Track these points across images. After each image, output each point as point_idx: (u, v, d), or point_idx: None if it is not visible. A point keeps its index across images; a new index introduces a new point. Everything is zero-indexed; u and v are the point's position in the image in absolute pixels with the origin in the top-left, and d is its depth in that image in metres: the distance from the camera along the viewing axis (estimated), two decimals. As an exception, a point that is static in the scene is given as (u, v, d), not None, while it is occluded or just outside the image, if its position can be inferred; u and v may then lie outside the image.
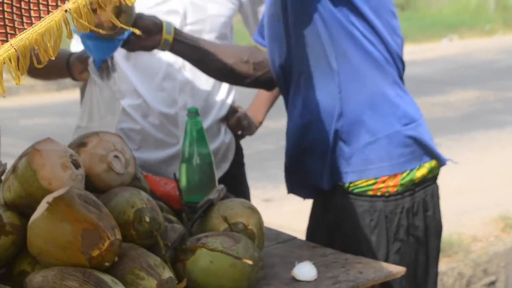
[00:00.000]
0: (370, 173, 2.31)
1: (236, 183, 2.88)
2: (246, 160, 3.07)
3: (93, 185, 1.94)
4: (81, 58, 2.50)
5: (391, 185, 2.30)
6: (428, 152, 2.35)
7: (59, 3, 1.30)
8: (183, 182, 2.29)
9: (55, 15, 1.29)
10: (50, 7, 1.30)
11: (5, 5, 1.28)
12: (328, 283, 1.97)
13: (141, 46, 2.41)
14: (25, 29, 1.28)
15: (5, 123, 7.83)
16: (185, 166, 2.30)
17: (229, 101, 2.89)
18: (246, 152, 3.08)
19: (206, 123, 2.73)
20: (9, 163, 1.91)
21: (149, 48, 2.43)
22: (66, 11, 1.29)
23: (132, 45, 2.40)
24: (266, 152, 6.59)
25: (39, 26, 1.28)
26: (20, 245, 1.74)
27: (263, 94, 3.04)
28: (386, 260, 2.26)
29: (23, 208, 1.78)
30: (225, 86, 2.86)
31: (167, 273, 1.69)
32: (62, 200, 1.65)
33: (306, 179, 2.42)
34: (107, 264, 1.63)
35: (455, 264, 4.83)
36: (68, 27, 1.32)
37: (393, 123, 2.31)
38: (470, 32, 16.05)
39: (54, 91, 10.29)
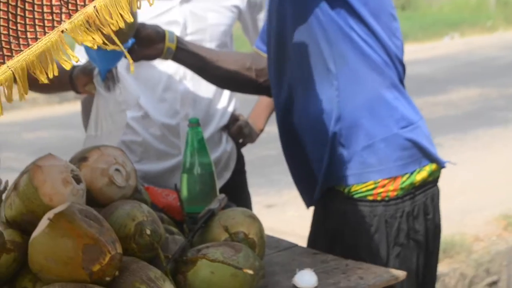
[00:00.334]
0: (368, 176, 2.31)
1: (238, 191, 2.90)
2: (248, 166, 3.09)
3: (94, 199, 1.96)
4: (86, 71, 2.48)
5: (391, 189, 2.31)
6: (427, 155, 2.35)
7: (55, 24, 1.31)
8: (184, 192, 2.31)
9: (51, 36, 1.30)
10: (46, 28, 1.30)
11: (1, 27, 1.29)
12: (329, 289, 1.99)
13: (144, 55, 2.42)
14: (22, 50, 1.29)
15: (8, 137, 7.86)
16: (186, 176, 2.31)
17: (230, 109, 2.90)
18: (248, 158, 3.10)
19: (207, 133, 2.75)
20: (11, 177, 1.91)
21: (152, 57, 2.44)
22: (62, 31, 1.31)
23: (135, 54, 2.40)
24: (268, 158, 6.60)
25: (36, 47, 1.29)
26: (22, 262, 1.75)
27: (263, 101, 3.05)
28: (386, 265, 2.27)
29: (24, 225, 1.79)
30: (226, 95, 2.88)
31: (168, 286, 1.70)
32: (63, 216, 1.66)
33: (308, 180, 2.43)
34: (108, 278, 1.64)
35: (458, 265, 4.83)
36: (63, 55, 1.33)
37: (391, 126, 2.32)
38: (471, 30, 16.03)
39: (56, 104, 10.30)
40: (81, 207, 1.72)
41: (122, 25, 1.28)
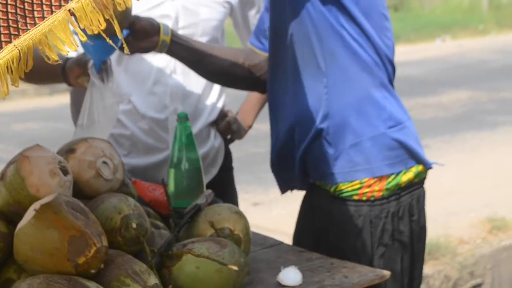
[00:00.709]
0: (354, 175, 2.32)
1: (225, 187, 2.90)
2: (236, 163, 3.09)
3: (81, 191, 1.96)
4: (80, 62, 2.46)
5: (377, 189, 2.32)
6: (414, 156, 2.36)
7: (62, 3, 1.30)
8: (171, 187, 2.31)
9: (59, 15, 1.29)
10: (53, 7, 1.30)
11: (8, 6, 1.28)
12: (314, 287, 1.99)
13: (139, 48, 2.41)
14: (29, 29, 1.28)
15: (-3, 128, 7.83)
16: (173, 171, 2.31)
17: (220, 105, 2.90)
18: (236, 155, 3.10)
19: (196, 128, 2.75)
20: (0, 168, 1.92)
21: (147, 50, 2.43)
22: (69, 10, 1.30)
23: (130, 46, 2.39)
24: (256, 155, 6.60)
25: (43, 26, 1.28)
26: (7, 253, 1.75)
27: (252, 98, 3.05)
28: (370, 265, 2.27)
29: (11, 216, 1.79)
30: (215, 90, 2.88)
31: (153, 280, 1.71)
32: (49, 207, 1.66)
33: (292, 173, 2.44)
34: (93, 271, 1.64)
35: (442, 267, 4.85)
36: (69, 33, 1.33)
37: (378, 125, 2.32)
38: (463, 32, 16.07)
39: (46, 96, 10.25)
40: (67, 199, 1.72)
41: (130, 4, 1.27)
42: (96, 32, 1.33)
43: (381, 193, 2.32)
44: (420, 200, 2.42)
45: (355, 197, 2.32)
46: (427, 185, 2.46)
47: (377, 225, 2.33)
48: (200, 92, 2.82)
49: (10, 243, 1.71)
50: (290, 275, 2.01)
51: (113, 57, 2.56)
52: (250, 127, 3.06)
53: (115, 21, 1.32)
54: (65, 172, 1.85)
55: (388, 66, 2.36)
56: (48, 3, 1.30)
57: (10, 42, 1.27)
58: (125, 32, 2.35)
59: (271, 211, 5.72)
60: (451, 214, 5.67)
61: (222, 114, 2.91)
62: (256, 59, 2.56)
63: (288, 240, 2.43)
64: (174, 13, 2.73)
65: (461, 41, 15.39)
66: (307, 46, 2.30)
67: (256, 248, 2.22)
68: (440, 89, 10.58)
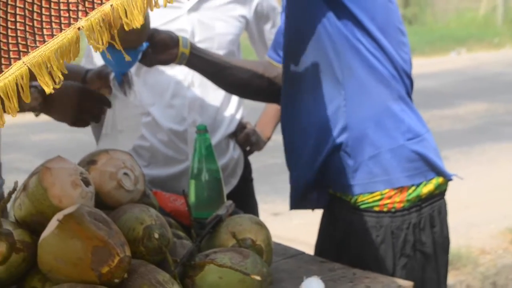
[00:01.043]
0: (374, 186, 2.32)
1: (245, 198, 2.90)
2: (255, 174, 3.09)
3: (103, 202, 1.96)
4: (101, 75, 2.45)
5: (397, 201, 2.31)
6: (433, 168, 2.35)
7: (71, 21, 1.30)
8: (192, 198, 2.31)
9: (68, 33, 1.30)
10: (63, 25, 1.30)
11: (17, 23, 1.29)
12: (336, 298, 1.99)
13: (158, 60, 2.43)
14: (38, 47, 1.29)
15: (16, 138, 7.87)
16: (194, 182, 2.32)
17: (238, 117, 2.91)
18: (255, 166, 3.10)
19: (215, 139, 2.75)
20: (19, 177, 1.91)
21: (166, 62, 2.44)
22: (79, 28, 1.30)
23: (149, 59, 2.40)
24: (274, 166, 6.59)
25: (52, 44, 1.28)
26: (31, 262, 1.75)
27: (270, 110, 3.06)
28: (393, 275, 2.26)
29: (34, 226, 1.79)
30: (233, 102, 2.88)
31: (176, 289, 1.71)
32: (72, 218, 1.66)
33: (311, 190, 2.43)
34: (116, 280, 1.64)
35: (464, 277, 4.83)
36: (78, 45, 1.33)
37: (397, 137, 2.32)
38: (478, 45, 16.03)
39: (64, 107, 10.29)
40: (90, 210, 1.72)
41: (138, 24, 1.28)
42: (102, 49, 1.33)
43: (402, 205, 2.32)
44: (442, 211, 2.41)
45: (376, 208, 2.32)
46: (446, 196, 2.44)
47: (399, 236, 2.32)
48: (218, 104, 2.83)
49: (34, 252, 1.71)
50: (313, 285, 1.99)
51: (132, 69, 2.57)
52: (269, 138, 3.07)
53: (117, 40, 1.32)
54: (86, 183, 1.85)
55: (406, 79, 2.36)
56: (58, 20, 1.31)
57: (19, 58, 1.27)
58: (145, 44, 2.36)
59: (291, 221, 5.72)
60: (471, 225, 5.65)
61: (241, 126, 2.92)
62: (274, 72, 2.57)
63: (308, 249, 2.42)
64: (190, 27, 2.74)
65: (476, 54, 15.35)
66: (325, 60, 2.30)
67: (277, 258, 2.21)
68: (457, 101, 10.55)
